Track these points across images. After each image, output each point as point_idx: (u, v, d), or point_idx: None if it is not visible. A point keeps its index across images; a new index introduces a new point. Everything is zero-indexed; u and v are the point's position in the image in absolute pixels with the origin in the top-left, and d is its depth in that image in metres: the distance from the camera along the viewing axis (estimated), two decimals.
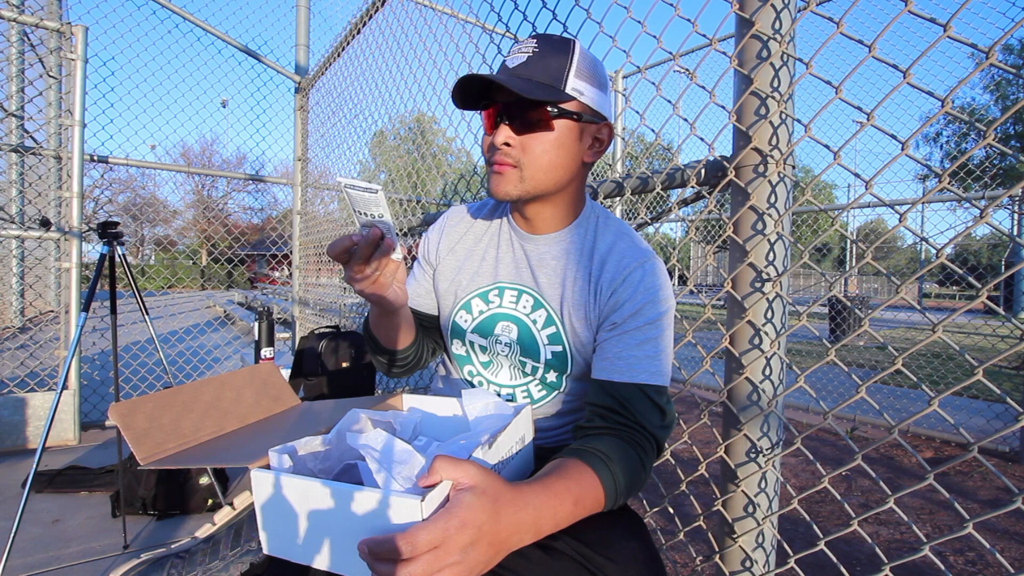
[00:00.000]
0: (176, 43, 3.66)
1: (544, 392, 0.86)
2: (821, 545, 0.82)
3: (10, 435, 2.56)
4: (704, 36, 0.96)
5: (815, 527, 0.88)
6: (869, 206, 4.24)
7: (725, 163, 0.95)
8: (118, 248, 2.04)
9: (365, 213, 0.64)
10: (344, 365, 2.03)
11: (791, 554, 0.86)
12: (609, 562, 0.62)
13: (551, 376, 0.85)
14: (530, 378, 0.86)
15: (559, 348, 0.83)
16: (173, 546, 1.55)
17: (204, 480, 1.93)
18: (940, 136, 15.13)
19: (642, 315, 0.76)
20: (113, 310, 2.04)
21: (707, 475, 1.04)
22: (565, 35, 1.10)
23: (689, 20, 0.98)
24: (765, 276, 0.90)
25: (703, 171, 1.01)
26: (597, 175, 4.72)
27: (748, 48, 0.90)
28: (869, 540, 0.80)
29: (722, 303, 1.06)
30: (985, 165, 4.97)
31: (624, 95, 1.51)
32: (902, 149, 0.71)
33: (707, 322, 1.11)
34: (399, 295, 0.75)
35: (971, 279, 0.69)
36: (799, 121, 0.89)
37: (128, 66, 3.63)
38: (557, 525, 0.58)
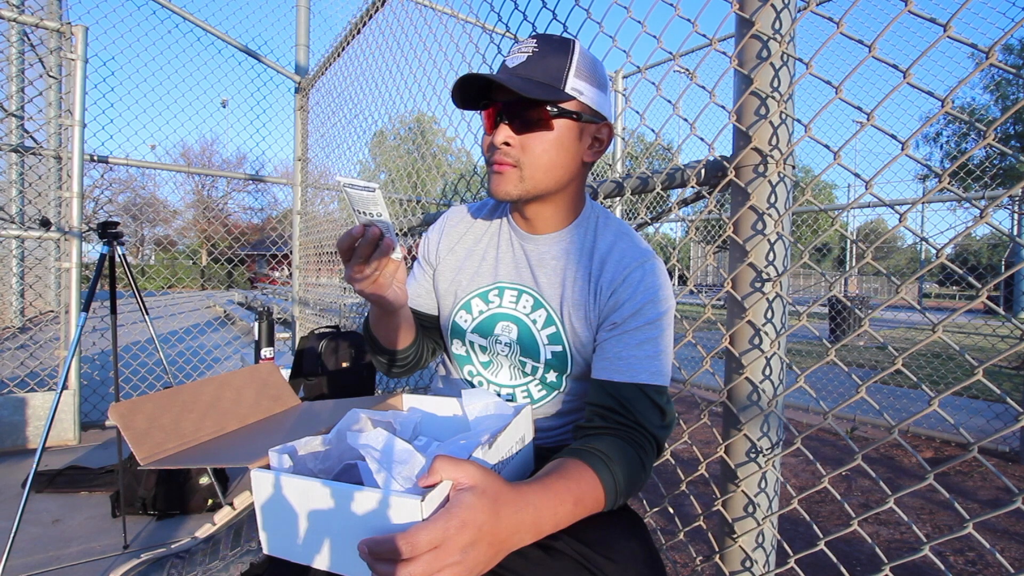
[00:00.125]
0: (176, 43, 3.66)
1: (544, 392, 0.86)
2: (821, 545, 0.82)
3: (10, 435, 2.56)
4: (704, 36, 0.96)
5: (815, 527, 0.88)
6: (869, 206, 4.24)
7: (725, 163, 0.95)
8: (118, 248, 2.04)
9: (364, 212, 0.64)
10: (344, 365, 2.03)
11: (791, 554, 0.86)
12: (609, 562, 0.62)
13: (551, 376, 0.85)
14: (530, 378, 0.86)
15: (559, 348, 0.83)
16: (173, 546, 1.55)
17: (204, 480, 1.93)
18: (940, 136, 15.13)
19: (642, 315, 0.76)
20: (113, 310, 2.04)
21: (707, 475, 1.04)
22: (565, 35, 1.10)
23: (689, 20, 0.98)
24: (765, 276, 0.90)
25: (703, 171, 1.01)
26: (597, 175, 4.72)
27: (748, 48, 0.90)
28: (869, 540, 0.80)
29: (722, 303, 1.06)
30: (985, 165, 4.97)
31: (624, 95, 1.51)
32: (902, 149, 0.71)
33: (707, 322, 1.11)
34: (399, 295, 0.75)
35: (971, 279, 0.69)
36: (799, 121, 0.89)
37: (128, 66, 3.63)
38: (557, 525, 0.58)
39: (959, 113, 0.68)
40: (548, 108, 0.74)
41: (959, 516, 0.68)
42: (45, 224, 2.66)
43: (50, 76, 3.37)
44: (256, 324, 2.29)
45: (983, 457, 0.70)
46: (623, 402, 0.73)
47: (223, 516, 1.76)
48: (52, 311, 5.74)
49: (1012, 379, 4.81)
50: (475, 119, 1.94)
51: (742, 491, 0.92)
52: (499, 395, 0.85)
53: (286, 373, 2.18)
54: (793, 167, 0.91)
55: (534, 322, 0.84)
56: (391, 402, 0.81)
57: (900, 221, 0.73)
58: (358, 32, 2.76)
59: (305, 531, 0.53)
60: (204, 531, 1.67)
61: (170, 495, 1.88)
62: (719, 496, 0.97)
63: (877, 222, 9.67)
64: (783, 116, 0.88)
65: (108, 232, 1.99)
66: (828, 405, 1.16)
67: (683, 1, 1.04)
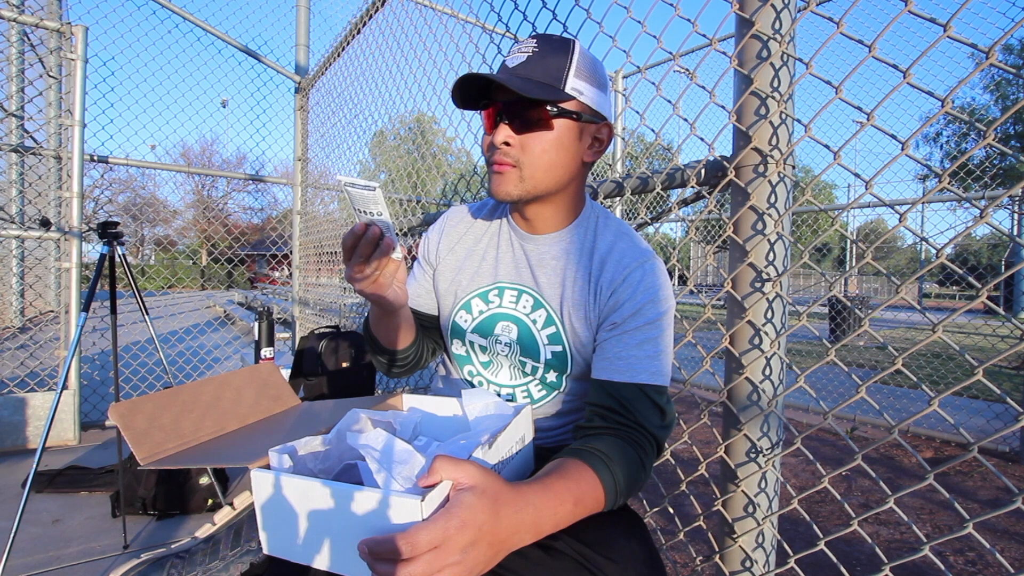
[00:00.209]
0: (176, 43, 3.66)
1: (544, 392, 0.86)
2: (821, 545, 0.82)
3: (10, 435, 2.56)
4: (704, 36, 0.96)
5: (815, 527, 0.88)
6: (869, 206, 4.24)
7: (725, 163, 0.95)
8: (118, 248, 2.04)
9: (364, 211, 0.64)
10: (344, 365, 2.03)
11: (791, 554, 0.86)
12: (609, 562, 0.62)
13: (551, 376, 0.85)
14: (530, 378, 0.86)
15: (559, 348, 0.83)
16: (173, 546, 1.55)
17: (204, 480, 1.93)
18: (940, 136, 15.13)
19: (642, 315, 0.76)
20: (113, 310, 2.04)
21: (707, 475, 1.04)
22: (565, 35, 1.10)
23: (689, 20, 0.98)
24: (765, 276, 0.90)
25: (703, 171, 1.01)
26: (597, 175, 4.72)
27: (748, 48, 0.90)
28: (869, 540, 0.80)
29: (722, 303, 1.06)
30: (985, 165, 4.97)
31: (624, 95, 1.51)
32: (902, 149, 0.71)
33: (707, 322, 1.11)
34: (399, 295, 0.75)
35: (971, 279, 0.69)
36: (799, 121, 0.89)
37: (128, 66, 3.63)
38: (557, 525, 0.58)
39: (959, 113, 0.68)
40: (548, 108, 0.74)
41: (959, 516, 0.68)
42: (45, 224, 2.66)
43: (50, 76, 3.37)
44: (256, 324, 2.29)
45: (983, 457, 0.70)
46: (623, 402, 0.73)
47: (223, 516, 1.76)
48: (52, 311, 5.74)
49: (1012, 379, 4.81)
50: (475, 119, 1.94)
51: (742, 491, 0.92)
52: (499, 395, 0.85)
53: (286, 373, 2.18)
54: (793, 167, 0.91)
55: (534, 322, 0.84)
56: (391, 402, 0.81)
57: (900, 221, 0.73)
58: (358, 32, 2.76)
59: (305, 531, 0.53)
60: (204, 531, 1.67)
61: (170, 495, 1.88)
62: (719, 496, 0.97)
63: (877, 222, 9.67)
64: (783, 116, 0.88)
65: (108, 232, 1.99)
66: (828, 405, 1.16)
67: (683, 1, 1.04)
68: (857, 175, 0.80)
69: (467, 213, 0.96)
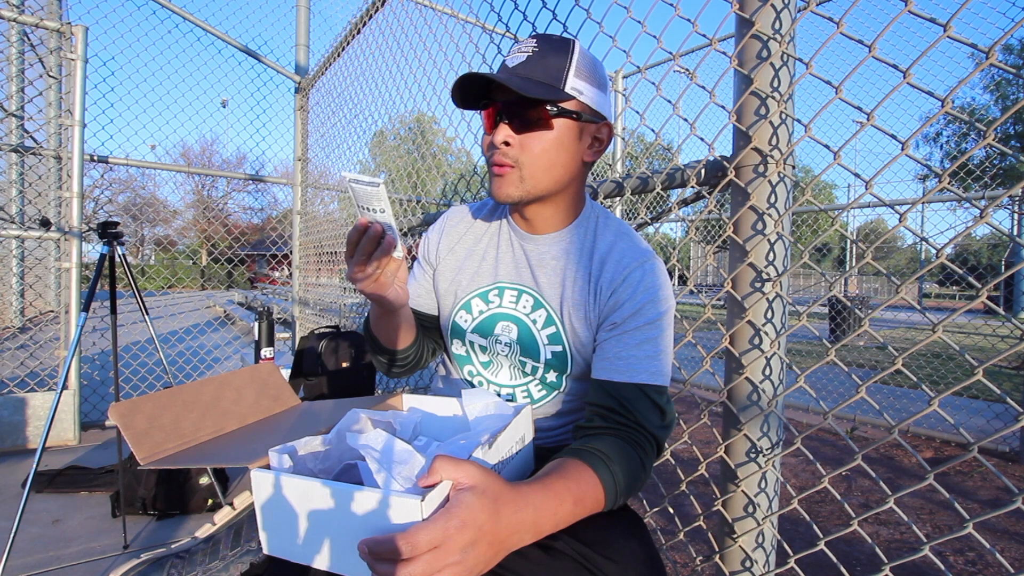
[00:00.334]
0: (176, 43, 3.66)
1: (544, 392, 0.86)
2: (821, 545, 0.82)
3: (10, 435, 2.56)
4: (704, 36, 0.96)
5: (815, 527, 0.88)
6: (869, 206, 4.24)
7: (725, 163, 0.95)
8: (118, 248, 2.04)
9: (367, 208, 0.64)
10: (344, 365, 2.03)
11: (791, 554, 0.86)
12: (609, 562, 0.62)
13: (551, 376, 0.85)
14: (530, 378, 0.86)
15: (559, 348, 0.83)
16: (173, 546, 1.55)
17: (204, 480, 1.93)
18: (940, 136, 15.13)
19: (642, 315, 0.76)
20: (113, 310, 2.04)
21: (707, 475, 1.04)
22: (565, 35, 1.10)
23: (689, 20, 0.98)
24: (765, 276, 0.90)
25: (703, 171, 1.01)
26: (597, 175, 4.72)
27: (748, 48, 0.90)
28: (869, 540, 0.80)
29: (722, 303, 1.06)
30: (985, 165, 4.97)
31: (624, 95, 1.51)
32: (902, 149, 0.71)
33: (707, 322, 1.11)
34: (400, 294, 0.75)
35: (971, 279, 0.69)
36: (799, 121, 0.89)
37: (128, 66, 3.63)
38: (557, 525, 0.58)
39: (959, 113, 0.68)
40: (548, 108, 0.74)
41: (959, 516, 0.68)
42: (45, 224, 2.66)
43: (50, 76, 3.37)
44: (256, 324, 2.29)
45: (983, 457, 0.70)
46: (623, 402, 0.73)
47: (223, 516, 1.76)
48: (52, 311, 5.74)
49: (1012, 379, 4.81)
50: (475, 119, 1.94)
51: (742, 491, 0.92)
52: (499, 395, 0.85)
53: (286, 373, 2.18)
54: (793, 167, 0.91)
55: (534, 322, 0.84)
56: (391, 402, 0.81)
57: (900, 221, 0.73)
58: (358, 32, 2.76)
59: (305, 531, 0.53)
60: (204, 531, 1.67)
61: (170, 495, 1.88)
62: (719, 496, 0.97)
63: (877, 222, 9.67)
64: (783, 116, 0.88)
65: (108, 232, 1.99)
66: (828, 405, 1.17)
67: (683, 1, 1.04)
68: (857, 175, 0.80)
69: (467, 213, 0.96)
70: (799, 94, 2.99)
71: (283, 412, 0.92)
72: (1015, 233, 3.40)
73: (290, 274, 3.98)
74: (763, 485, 0.92)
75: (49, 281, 5.76)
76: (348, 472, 0.63)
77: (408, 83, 2.29)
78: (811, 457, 0.91)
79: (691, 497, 1.24)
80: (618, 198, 1.22)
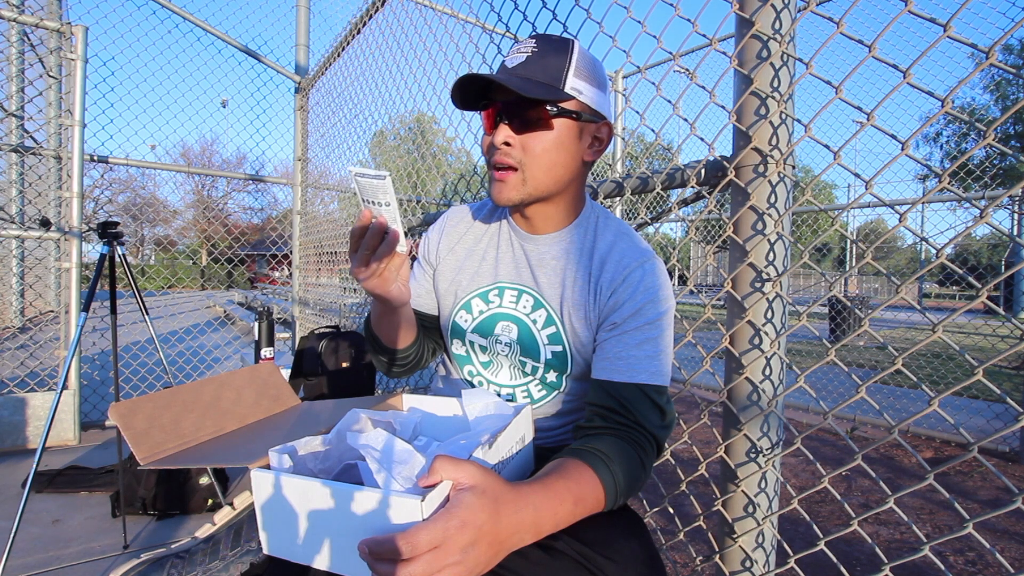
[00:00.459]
0: (176, 43, 3.66)
1: (544, 392, 0.86)
2: (821, 545, 0.82)
3: (10, 435, 2.56)
4: (704, 36, 0.96)
5: (815, 527, 0.88)
6: (869, 206, 4.24)
7: (725, 163, 0.95)
8: (118, 248, 2.04)
9: (373, 201, 0.64)
10: (344, 365, 2.03)
11: (791, 554, 0.86)
12: (609, 562, 0.62)
13: (551, 376, 0.85)
14: (530, 378, 0.86)
15: (559, 348, 0.83)
16: (173, 546, 1.55)
17: (204, 480, 1.93)
18: (940, 136, 15.13)
19: (642, 315, 0.77)
20: (113, 310, 2.04)
21: (707, 475, 1.04)
22: (565, 35, 1.10)
23: (689, 20, 0.98)
24: (765, 276, 0.90)
25: (703, 171, 1.01)
26: (597, 175, 4.72)
27: (748, 48, 0.90)
28: (869, 540, 0.80)
29: (722, 303, 1.06)
30: (985, 165, 4.97)
31: (624, 95, 1.51)
32: (902, 149, 0.71)
33: (707, 322, 1.11)
34: (403, 291, 0.75)
35: (971, 279, 0.69)
36: (799, 121, 0.89)
37: (128, 66, 3.63)
38: (557, 525, 0.58)
39: (959, 113, 0.68)
40: (548, 108, 0.74)
41: (959, 516, 0.68)
42: (45, 224, 2.66)
43: (50, 76, 3.37)
44: (256, 324, 2.29)
45: (983, 457, 0.70)
46: (623, 402, 0.73)
47: (223, 516, 1.76)
48: (52, 311, 5.74)
49: (1012, 379, 4.81)
50: (475, 119, 1.94)
51: (742, 491, 0.92)
52: (499, 395, 0.85)
53: (286, 373, 2.18)
54: (793, 167, 0.91)
55: (534, 322, 0.84)
56: (391, 402, 0.81)
57: (900, 221, 0.73)
58: (358, 32, 2.76)
59: (305, 531, 0.53)
60: (204, 531, 1.67)
61: (170, 495, 1.88)
62: (719, 496, 0.97)
63: (877, 222, 9.67)
64: (783, 116, 0.88)
65: (108, 232, 1.99)
66: (828, 405, 1.17)
67: (683, 1, 1.04)
68: (857, 175, 0.80)
69: (467, 213, 0.96)
70: (799, 94, 2.99)
71: (283, 412, 0.92)
72: (1015, 233, 3.40)
73: (290, 274, 3.98)
74: (763, 485, 0.92)
75: (49, 281, 5.76)
76: (348, 472, 0.63)
77: (408, 83, 2.29)
78: (811, 457, 0.91)
79: (691, 497, 1.24)
80: (618, 198, 1.22)
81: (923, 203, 4.19)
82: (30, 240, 3.21)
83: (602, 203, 1.21)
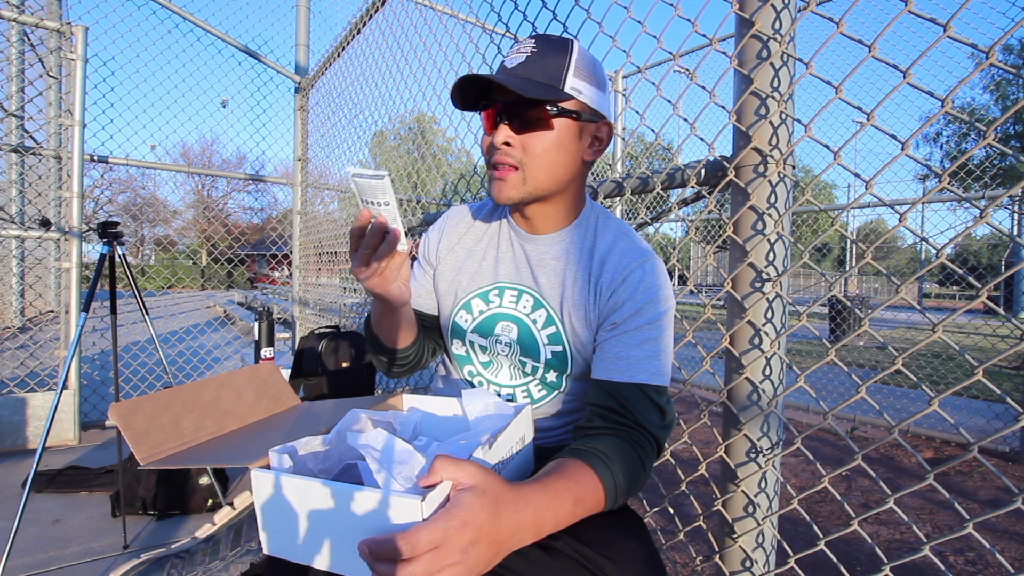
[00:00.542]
0: (176, 43, 3.66)
1: (544, 392, 0.86)
2: (821, 545, 0.82)
3: (10, 435, 2.56)
4: (704, 36, 0.96)
5: (815, 527, 0.88)
6: (869, 206, 4.24)
7: (725, 163, 0.95)
8: (118, 248, 2.04)
9: (372, 202, 0.63)
10: (344, 365, 2.03)
11: (791, 554, 0.86)
12: (609, 562, 0.62)
13: (551, 376, 0.85)
14: (530, 378, 0.86)
15: (559, 348, 0.83)
16: (173, 546, 1.55)
17: (204, 480, 1.93)
18: (940, 136, 15.13)
19: (642, 315, 0.77)
20: (113, 310, 2.04)
21: (707, 475, 1.04)
22: (564, 35, 1.10)
23: (689, 20, 0.98)
24: (765, 276, 0.90)
25: (703, 171, 1.01)
26: (597, 175, 4.72)
27: (748, 48, 0.90)
28: (869, 540, 0.80)
29: (722, 303, 1.06)
30: (985, 165, 4.97)
31: (624, 95, 1.51)
32: (902, 149, 0.71)
33: (707, 322, 1.11)
34: (403, 291, 0.75)
35: (971, 279, 0.69)
36: (799, 121, 0.89)
37: (128, 66, 3.63)
38: (557, 525, 0.58)
39: (959, 113, 0.68)
40: (548, 108, 0.74)
41: (959, 516, 0.68)
42: (45, 224, 2.66)
43: (50, 76, 3.37)
44: (256, 324, 2.29)
45: (983, 457, 0.70)
46: (623, 402, 0.73)
47: (223, 516, 1.76)
48: (52, 311, 5.74)
49: (1012, 379, 4.81)
50: (475, 119, 1.94)
51: (742, 491, 0.92)
52: (499, 395, 0.85)
53: (286, 373, 2.18)
54: (793, 167, 0.91)
55: (534, 322, 0.84)
56: (391, 402, 0.81)
57: (900, 221, 0.73)
58: (358, 32, 2.76)
59: (305, 531, 0.53)
60: (204, 531, 1.67)
61: (170, 495, 1.88)
62: (719, 496, 0.97)
63: (877, 222, 9.67)
64: (783, 116, 0.88)
65: (108, 232, 1.99)
66: (828, 405, 1.17)
67: (683, 1, 1.04)
68: (857, 175, 0.80)
69: (467, 213, 0.96)
70: (799, 94, 2.99)
71: (283, 412, 0.92)
72: (1015, 233, 3.40)
73: (290, 274, 3.98)
74: (763, 485, 0.92)
75: (49, 281, 5.76)
76: (348, 472, 0.63)
77: (408, 83, 2.29)
78: (811, 457, 0.91)
79: (691, 497, 1.24)
80: (618, 198, 1.22)
81: (923, 203, 4.19)
82: (30, 240, 3.21)
83: (602, 203, 1.21)
